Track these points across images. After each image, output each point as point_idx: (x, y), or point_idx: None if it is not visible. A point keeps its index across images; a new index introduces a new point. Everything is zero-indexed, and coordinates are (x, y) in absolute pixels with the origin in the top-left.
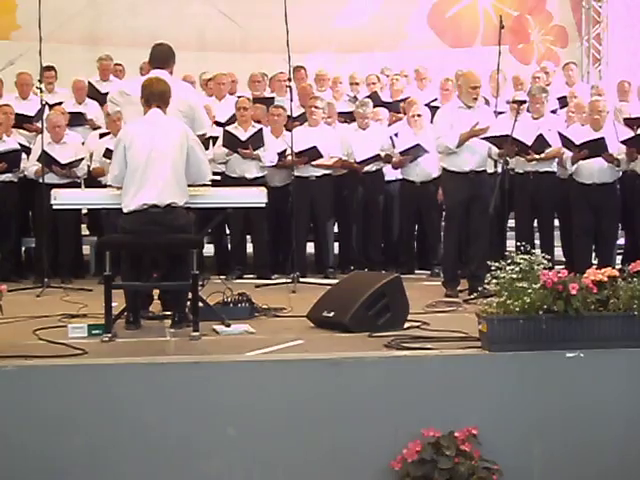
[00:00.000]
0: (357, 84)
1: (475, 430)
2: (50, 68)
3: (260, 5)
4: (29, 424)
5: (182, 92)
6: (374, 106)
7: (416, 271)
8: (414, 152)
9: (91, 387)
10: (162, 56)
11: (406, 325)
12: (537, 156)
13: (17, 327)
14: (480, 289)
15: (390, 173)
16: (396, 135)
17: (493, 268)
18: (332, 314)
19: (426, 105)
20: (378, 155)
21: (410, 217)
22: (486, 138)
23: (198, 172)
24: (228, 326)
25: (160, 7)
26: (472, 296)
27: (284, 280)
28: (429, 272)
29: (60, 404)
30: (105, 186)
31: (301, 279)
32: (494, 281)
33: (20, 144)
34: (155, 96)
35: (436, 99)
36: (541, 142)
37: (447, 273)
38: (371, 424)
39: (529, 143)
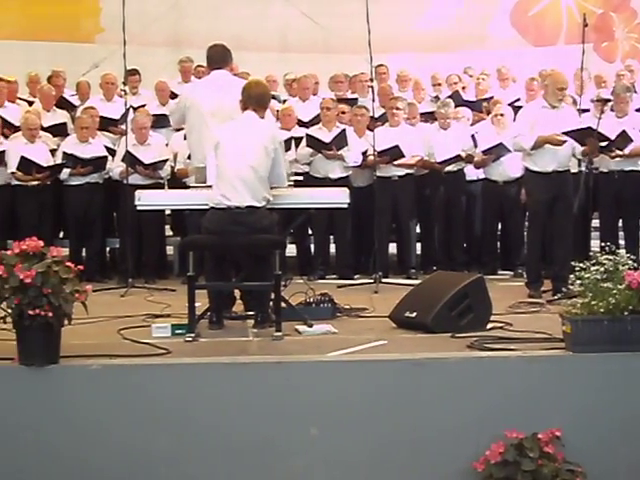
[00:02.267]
0: (439, 84)
1: (559, 432)
2: (134, 72)
3: (342, 5)
4: (113, 422)
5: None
6: (456, 106)
7: (499, 271)
8: (496, 152)
9: (174, 386)
10: (219, 56)
11: (489, 326)
12: (620, 152)
13: (102, 327)
14: (564, 290)
15: (472, 173)
16: (478, 134)
17: (577, 268)
18: (414, 314)
19: (509, 105)
20: (459, 155)
21: (493, 217)
22: (568, 132)
23: (279, 177)
24: (310, 326)
25: (242, 9)
26: (556, 297)
27: (366, 280)
28: (512, 272)
29: (144, 403)
30: (188, 187)
31: (383, 279)
32: (578, 282)
33: (105, 146)
34: (252, 99)
35: (519, 99)
36: (624, 138)
37: (530, 274)
38: (454, 425)
39: (612, 137)
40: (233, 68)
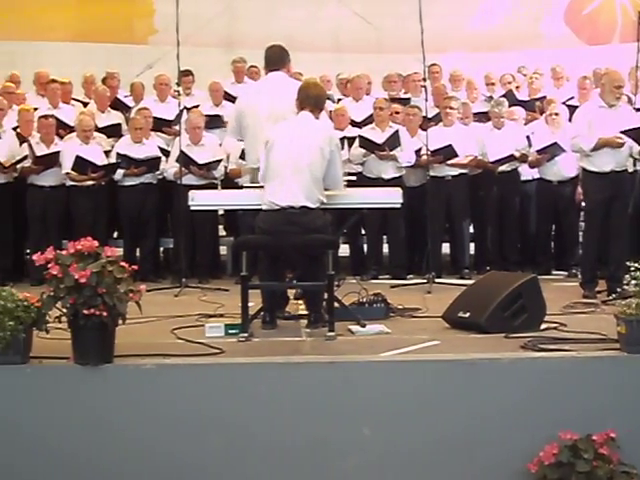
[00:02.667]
0: (493, 84)
1: (613, 433)
2: (188, 73)
3: (394, 5)
4: (167, 422)
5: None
6: (509, 105)
7: (553, 272)
8: (551, 151)
9: (227, 386)
10: (276, 57)
11: (543, 326)
12: None
13: (156, 326)
14: (619, 290)
15: (527, 172)
16: (532, 134)
17: (632, 269)
18: (468, 315)
19: (563, 103)
20: (512, 155)
21: (547, 217)
22: (626, 132)
23: (334, 179)
24: (363, 326)
25: (295, 10)
26: (610, 297)
27: (419, 280)
28: (566, 273)
29: (197, 403)
30: (241, 187)
31: (436, 279)
32: (633, 282)
33: (159, 147)
34: (310, 99)
35: (572, 97)
36: None
37: (585, 274)
38: (507, 425)
39: None
40: (290, 69)
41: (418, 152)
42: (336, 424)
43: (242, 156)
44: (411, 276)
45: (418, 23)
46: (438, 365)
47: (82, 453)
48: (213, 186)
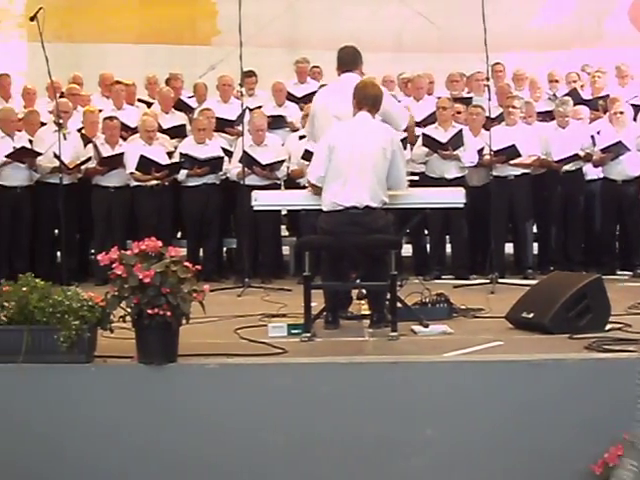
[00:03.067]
0: (557, 81)
1: None
2: (251, 74)
3: (457, 4)
4: (230, 420)
5: None
6: (574, 104)
7: (618, 272)
8: (615, 150)
9: (290, 386)
10: (350, 58)
11: (607, 327)
12: None
13: (219, 326)
14: None
15: (591, 172)
16: (598, 133)
17: None
18: (532, 315)
19: (627, 102)
20: (577, 154)
21: (611, 216)
22: None
23: (397, 178)
24: (426, 326)
25: (358, 9)
26: None
27: (483, 280)
28: (631, 273)
29: (260, 402)
30: (304, 187)
31: (500, 280)
32: None
33: (222, 147)
34: (368, 99)
35: (637, 96)
36: None
37: None
38: (571, 426)
39: None
40: (362, 71)
41: (481, 152)
42: (399, 424)
43: (304, 156)
44: (474, 276)
45: (481, 22)
46: (501, 366)
47: (146, 451)
48: (276, 186)
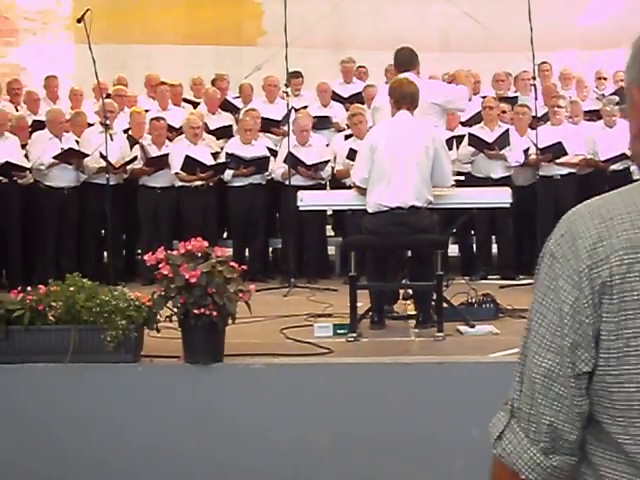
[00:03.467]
0: (604, 78)
1: None
2: (297, 75)
3: (503, 3)
4: (276, 420)
5: (432, 89)
6: (622, 103)
7: None
8: None
9: (336, 386)
10: (407, 59)
11: None
12: None
13: (265, 326)
14: None
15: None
16: None
17: None
18: None
19: None
20: (624, 154)
21: None
22: None
23: (441, 176)
24: (472, 327)
25: (403, 9)
26: None
27: (529, 281)
28: None
29: (306, 402)
30: (349, 187)
31: None
32: None
33: (267, 147)
34: (406, 98)
35: None
36: None
37: None
38: None
39: None
40: (419, 71)
41: (527, 151)
42: (444, 425)
43: (349, 156)
44: (521, 276)
45: (527, 21)
46: None
47: (192, 451)
48: (321, 187)
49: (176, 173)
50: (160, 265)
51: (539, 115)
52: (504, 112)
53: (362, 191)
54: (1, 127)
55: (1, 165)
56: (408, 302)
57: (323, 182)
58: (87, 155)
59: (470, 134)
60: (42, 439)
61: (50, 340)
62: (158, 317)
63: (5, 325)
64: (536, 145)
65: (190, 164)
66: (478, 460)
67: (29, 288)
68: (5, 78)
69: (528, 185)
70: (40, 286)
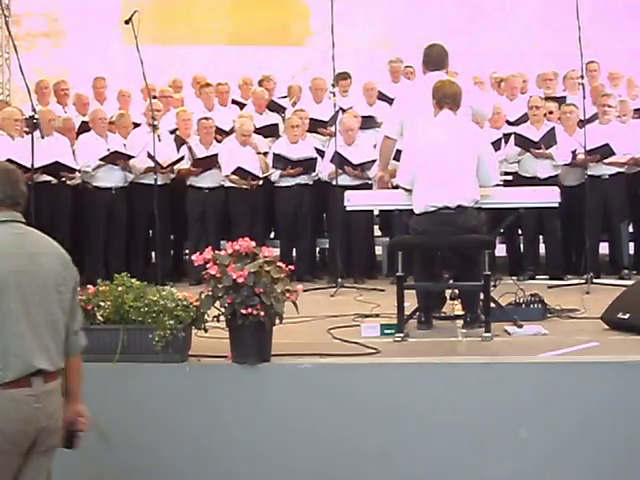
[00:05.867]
0: None
1: None
2: (346, 76)
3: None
4: (323, 421)
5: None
6: None
7: None
8: None
9: (384, 386)
10: (437, 57)
11: None
12: None
13: (312, 326)
14: None
15: None
16: None
17: None
18: (627, 316)
19: None
20: None
21: None
22: None
23: (486, 175)
24: (520, 327)
25: (451, 9)
26: None
27: (577, 281)
28: None
29: (353, 402)
30: (397, 187)
31: (595, 280)
32: None
33: (315, 147)
34: (448, 98)
35: None
36: None
37: None
38: None
39: None
40: (448, 70)
41: (575, 151)
42: (492, 425)
43: (396, 156)
44: (569, 276)
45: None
46: (597, 367)
47: (238, 450)
48: (367, 186)
49: (226, 175)
50: (208, 265)
51: (587, 115)
52: (551, 112)
53: (409, 191)
54: (49, 125)
55: (50, 165)
56: (455, 302)
57: (370, 182)
58: (133, 157)
59: (516, 133)
60: (90, 439)
61: (98, 340)
62: (206, 317)
63: None
64: (584, 147)
65: (241, 175)
66: (527, 461)
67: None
68: (53, 79)
69: (576, 185)
70: (89, 286)
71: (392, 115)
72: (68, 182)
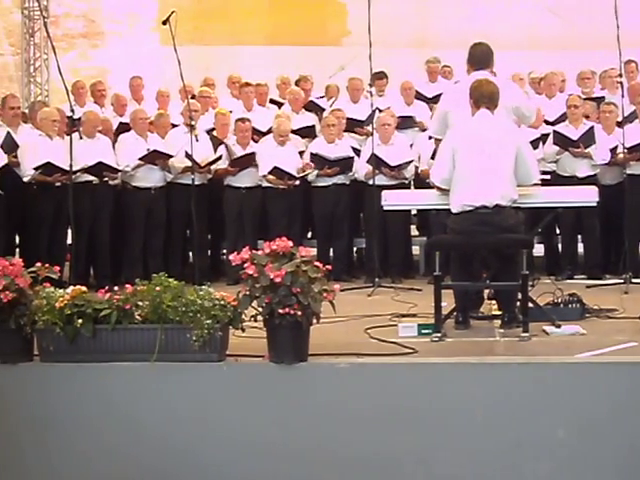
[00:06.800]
0: None
1: None
2: (382, 75)
3: (588, 0)
4: (360, 420)
5: (508, 90)
6: None
7: None
8: None
9: (421, 386)
10: (483, 56)
11: None
12: None
13: (349, 325)
14: None
15: None
16: None
17: None
18: None
19: None
20: None
21: None
22: None
23: (527, 173)
24: (558, 327)
25: (488, 8)
26: None
27: (616, 280)
28: None
29: (390, 401)
30: (433, 187)
31: (634, 279)
32: None
33: (352, 147)
34: (485, 97)
35: None
36: None
37: None
38: None
39: None
40: (493, 69)
41: (614, 150)
42: (530, 425)
43: (434, 156)
44: (607, 276)
45: (613, 18)
46: (635, 367)
47: (277, 450)
48: (404, 186)
49: (264, 175)
50: (245, 265)
51: (626, 113)
52: (587, 117)
53: (443, 190)
54: (93, 128)
55: (94, 166)
56: (493, 302)
57: (407, 182)
58: (172, 156)
59: (555, 132)
60: (129, 438)
61: (136, 339)
62: (243, 316)
63: (93, 324)
64: (623, 144)
65: (278, 174)
66: (565, 462)
67: (116, 288)
68: (91, 80)
69: (615, 184)
70: (127, 286)
71: (437, 115)
72: (110, 182)
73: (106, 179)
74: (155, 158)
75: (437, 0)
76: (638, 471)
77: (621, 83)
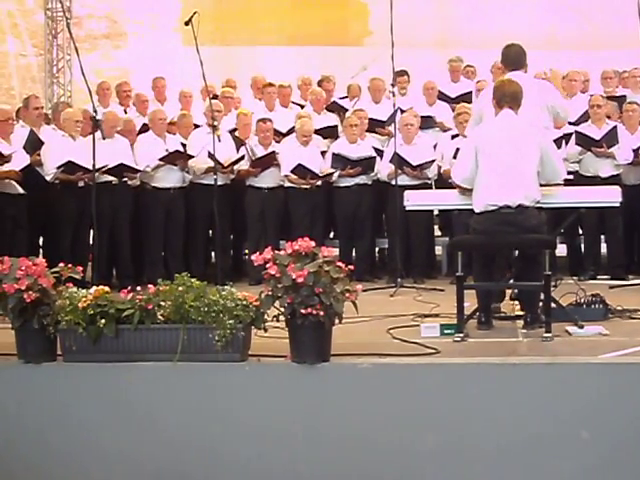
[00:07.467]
0: None
1: None
2: (403, 73)
3: (610, 0)
4: (383, 420)
5: (541, 90)
6: None
7: None
8: None
9: (443, 386)
10: (516, 57)
11: None
12: None
13: (372, 326)
14: None
15: None
16: None
17: None
18: None
19: None
20: None
21: None
22: None
23: (553, 172)
24: (581, 327)
25: (510, 7)
26: None
27: (638, 281)
28: None
29: (412, 402)
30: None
31: None
32: None
33: (373, 147)
34: (507, 97)
35: None
36: None
37: None
38: None
39: None
40: (527, 70)
41: (637, 150)
42: (553, 426)
43: (456, 156)
44: (631, 276)
45: (637, 17)
46: None
47: (298, 449)
48: (426, 186)
49: (286, 175)
50: (267, 265)
51: None
52: (609, 117)
53: (464, 190)
54: (111, 129)
55: (115, 167)
56: (515, 302)
57: (429, 182)
58: (192, 156)
59: (577, 132)
60: (151, 437)
61: (159, 339)
62: (265, 317)
63: (115, 324)
64: None
65: (301, 171)
66: (588, 463)
67: (138, 288)
68: (115, 81)
69: (638, 184)
70: (149, 286)
71: (473, 116)
72: (129, 182)
73: (125, 179)
74: (176, 159)
75: (459, 0)
76: None
77: None
